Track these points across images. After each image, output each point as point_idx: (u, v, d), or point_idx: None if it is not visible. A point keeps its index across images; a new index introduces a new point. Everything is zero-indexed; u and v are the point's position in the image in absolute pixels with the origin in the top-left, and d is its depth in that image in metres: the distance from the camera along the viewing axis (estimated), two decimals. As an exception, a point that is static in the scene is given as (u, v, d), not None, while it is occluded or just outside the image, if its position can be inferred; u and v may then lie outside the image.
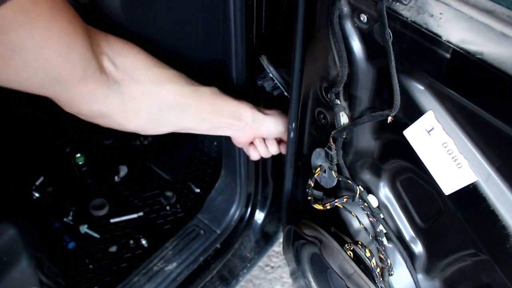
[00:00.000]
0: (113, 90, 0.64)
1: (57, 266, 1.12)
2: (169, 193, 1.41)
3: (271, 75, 0.90)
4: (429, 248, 0.67)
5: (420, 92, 0.53)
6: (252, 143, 0.92)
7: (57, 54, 0.52)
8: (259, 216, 1.24)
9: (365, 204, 0.72)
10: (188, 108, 0.75)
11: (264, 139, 0.92)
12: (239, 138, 0.88)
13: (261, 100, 1.00)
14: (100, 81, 0.62)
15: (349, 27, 0.58)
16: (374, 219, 0.71)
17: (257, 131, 0.87)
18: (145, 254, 1.21)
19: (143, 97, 0.68)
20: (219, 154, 1.23)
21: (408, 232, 0.69)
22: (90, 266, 1.22)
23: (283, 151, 0.95)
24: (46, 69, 0.52)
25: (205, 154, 1.52)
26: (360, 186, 0.72)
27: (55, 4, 0.49)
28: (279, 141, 0.95)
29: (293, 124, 0.84)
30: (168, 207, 1.38)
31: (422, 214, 0.66)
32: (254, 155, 0.94)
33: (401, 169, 0.66)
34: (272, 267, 1.58)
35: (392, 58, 0.53)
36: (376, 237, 0.72)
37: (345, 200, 0.73)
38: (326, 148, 0.73)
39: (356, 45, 0.59)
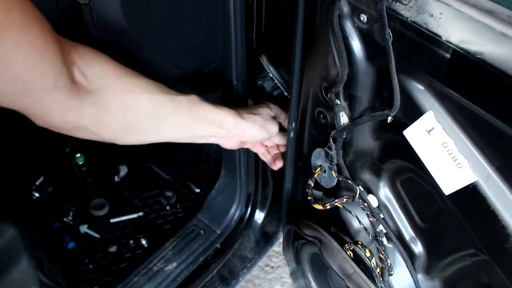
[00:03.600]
0: (85, 100, 0.63)
1: (57, 266, 1.12)
2: (169, 193, 1.41)
3: (271, 75, 0.90)
4: (429, 248, 0.67)
5: (420, 92, 0.53)
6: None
7: (28, 63, 0.51)
8: (259, 216, 1.24)
9: (365, 204, 0.72)
10: (164, 117, 0.73)
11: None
12: (225, 145, 0.87)
13: (261, 100, 1.00)
14: (71, 92, 0.60)
15: (349, 27, 0.58)
16: (374, 219, 0.71)
17: (241, 137, 0.85)
18: (145, 254, 1.21)
19: (116, 106, 0.67)
20: (219, 154, 1.23)
21: (408, 232, 0.69)
22: (90, 266, 1.22)
23: (282, 149, 0.96)
24: (17, 80, 0.52)
25: (205, 154, 1.52)
26: (360, 186, 0.72)
27: (26, 14, 0.49)
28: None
29: (293, 124, 0.84)
30: (168, 207, 1.38)
31: (422, 214, 0.66)
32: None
33: (401, 169, 0.66)
34: (272, 267, 1.58)
35: (392, 58, 0.53)
36: (376, 237, 0.72)
37: (345, 200, 0.73)
38: (326, 148, 0.73)
39: (356, 45, 0.59)
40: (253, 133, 0.84)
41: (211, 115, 0.78)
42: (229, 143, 0.86)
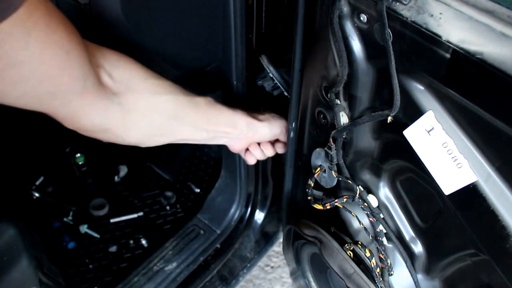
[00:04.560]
0: (112, 101, 0.63)
1: (57, 266, 1.12)
2: (169, 193, 1.41)
3: (271, 75, 0.90)
4: (429, 248, 0.67)
5: (420, 92, 0.53)
6: (247, 149, 0.93)
7: (55, 66, 0.51)
8: (259, 216, 1.24)
9: (365, 204, 0.72)
10: (185, 118, 0.75)
11: (259, 144, 0.92)
12: (234, 146, 0.88)
13: (261, 100, 1.00)
14: (99, 93, 0.60)
15: (349, 27, 0.58)
16: (374, 219, 0.71)
17: (252, 138, 0.87)
18: (145, 254, 1.21)
19: (142, 108, 0.68)
20: (219, 154, 1.23)
21: (408, 232, 0.69)
22: (90, 266, 1.22)
23: (279, 150, 0.95)
24: (44, 82, 0.51)
25: (205, 154, 1.52)
26: (360, 186, 0.72)
27: (50, 15, 0.48)
28: (274, 141, 0.95)
29: (293, 124, 0.84)
30: (168, 207, 1.38)
31: (422, 214, 0.66)
32: (251, 160, 0.95)
33: (401, 169, 0.66)
34: (272, 267, 1.58)
35: (392, 58, 0.52)
36: (376, 237, 0.72)
37: (345, 200, 0.73)
38: (326, 148, 0.73)
39: (356, 45, 0.59)
40: (264, 132, 0.86)
41: (226, 116, 0.80)
42: (239, 144, 0.88)
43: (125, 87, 0.65)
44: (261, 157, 0.94)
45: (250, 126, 0.84)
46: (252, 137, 0.86)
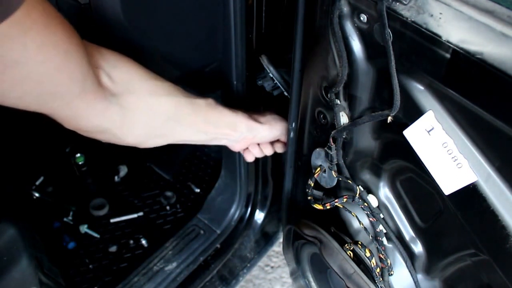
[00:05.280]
0: (111, 102, 0.63)
1: (57, 266, 1.12)
2: (169, 193, 1.41)
3: (271, 75, 0.90)
4: (429, 248, 0.67)
5: (420, 92, 0.53)
6: (247, 147, 0.93)
7: (54, 66, 0.50)
8: (259, 216, 1.24)
9: (365, 204, 0.72)
10: (184, 120, 0.74)
11: (258, 144, 0.93)
12: (234, 147, 0.89)
13: (261, 100, 1.00)
14: (98, 94, 0.60)
15: (349, 27, 0.58)
16: (374, 219, 0.71)
17: (252, 140, 0.87)
18: (145, 254, 1.21)
19: (141, 109, 0.68)
20: (219, 154, 1.23)
21: (408, 232, 0.69)
22: (90, 266, 1.22)
23: (278, 150, 0.96)
24: (43, 83, 0.51)
25: (205, 154, 1.52)
26: (360, 186, 0.72)
27: (48, 16, 0.48)
28: (274, 141, 0.95)
29: (293, 124, 0.84)
30: (168, 207, 1.38)
31: (422, 214, 0.66)
32: (249, 158, 0.95)
33: (401, 169, 0.66)
34: (272, 267, 1.58)
35: (392, 58, 0.53)
36: (376, 237, 0.72)
37: (345, 200, 0.73)
38: (326, 148, 0.73)
39: (356, 45, 0.59)
40: (264, 134, 0.87)
41: (226, 118, 0.80)
42: (239, 145, 0.88)
43: (124, 88, 0.65)
44: (259, 155, 0.95)
45: (250, 129, 0.84)
46: (252, 139, 0.87)
